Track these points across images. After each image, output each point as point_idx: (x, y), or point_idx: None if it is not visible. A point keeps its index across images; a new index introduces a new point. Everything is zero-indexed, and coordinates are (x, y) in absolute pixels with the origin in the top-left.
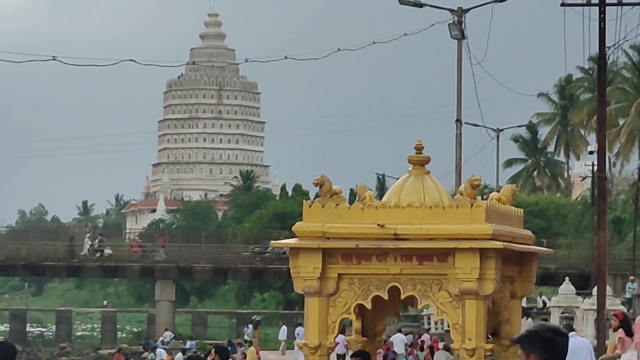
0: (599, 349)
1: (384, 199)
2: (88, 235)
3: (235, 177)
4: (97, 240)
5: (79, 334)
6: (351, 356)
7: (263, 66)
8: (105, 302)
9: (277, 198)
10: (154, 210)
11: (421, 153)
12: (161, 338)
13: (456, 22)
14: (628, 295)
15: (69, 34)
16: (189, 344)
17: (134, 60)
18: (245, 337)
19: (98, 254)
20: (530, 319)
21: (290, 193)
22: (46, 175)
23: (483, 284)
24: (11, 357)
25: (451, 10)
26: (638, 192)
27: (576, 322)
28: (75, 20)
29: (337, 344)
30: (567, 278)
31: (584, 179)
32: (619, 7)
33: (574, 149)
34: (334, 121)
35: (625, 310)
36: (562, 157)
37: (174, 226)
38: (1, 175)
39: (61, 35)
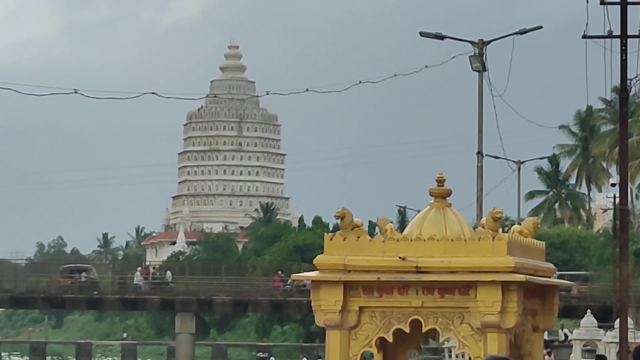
0: None
1: (406, 231)
2: (139, 268)
3: (256, 209)
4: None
5: None
6: None
7: (284, 98)
8: (125, 335)
9: (297, 230)
10: (174, 243)
11: (442, 185)
12: None
13: (477, 54)
14: None
15: (90, 65)
16: None
17: (155, 93)
18: None
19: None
20: None
21: (309, 225)
22: (65, 207)
23: (505, 317)
24: None
25: (472, 43)
26: None
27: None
28: (96, 50)
29: None
30: (588, 311)
31: (605, 211)
32: None
33: (596, 181)
34: (354, 153)
35: None
36: (583, 189)
37: (194, 258)
38: (20, 207)
39: (82, 65)
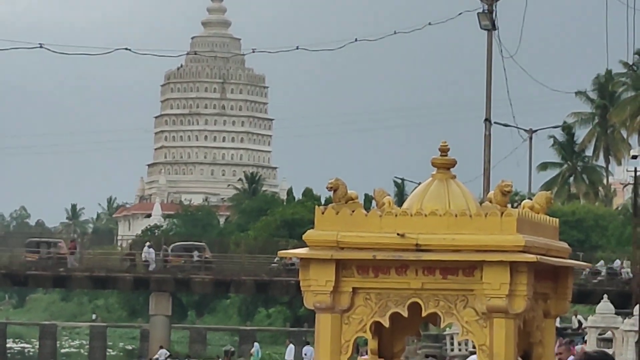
0: None
1: (405, 205)
2: (148, 243)
3: (240, 179)
4: (164, 250)
5: (64, 350)
6: None
7: (272, 57)
8: (94, 316)
9: (284, 203)
10: (149, 215)
11: (446, 155)
12: (155, 356)
13: (486, 11)
14: None
15: (57, 18)
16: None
17: (129, 49)
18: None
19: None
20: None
21: (298, 197)
22: (30, 175)
23: (513, 301)
24: None
25: None
26: None
27: (615, 344)
28: (65, 3)
29: None
30: (605, 296)
31: (625, 186)
32: None
33: (615, 153)
34: (349, 119)
35: None
36: (601, 162)
37: (171, 233)
38: None
39: (49, 19)
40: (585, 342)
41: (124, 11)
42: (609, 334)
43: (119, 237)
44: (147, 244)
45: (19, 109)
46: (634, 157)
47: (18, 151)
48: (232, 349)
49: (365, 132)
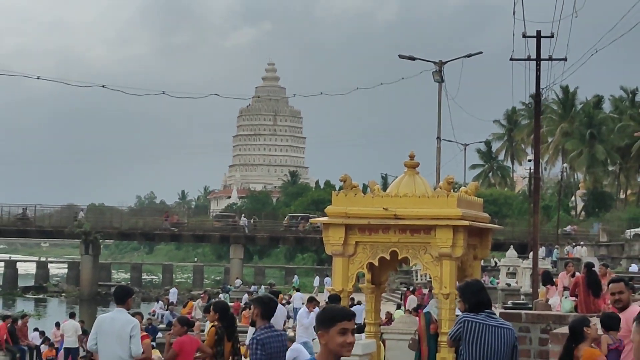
0: (533, 295)
1: (388, 190)
2: (243, 215)
3: (285, 174)
4: (252, 220)
5: (177, 280)
6: (329, 299)
7: (305, 99)
8: (195, 259)
9: (313, 189)
10: (229, 197)
11: (413, 159)
12: (235, 283)
13: (437, 71)
14: (554, 259)
15: (176, 76)
16: (252, 287)
17: (218, 95)
18: (293, 285)
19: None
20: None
21: (322, 186)
22: (156, 171)
23: (455, 249)
24: (130, 294)
25: (434, 62)
26: (560, 188)
27: (517, 276)
28: (180, 66)
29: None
30: (511, 246)
31: (524, 178)
32: (550, 61)
33: (517, 158)
34: (355, 136)
35: (550, 268)
36: (508, 163)
37: (243, 208)
38: (125, 171)
39: (170, 76)
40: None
41: (215, 72)
42: (514, 270)
43: (211, 211)
44: (242, 215)
45: (150, 132)
46: (529, 160)
47: (150, 157)
48: (273, 283)
49: (365, 144)
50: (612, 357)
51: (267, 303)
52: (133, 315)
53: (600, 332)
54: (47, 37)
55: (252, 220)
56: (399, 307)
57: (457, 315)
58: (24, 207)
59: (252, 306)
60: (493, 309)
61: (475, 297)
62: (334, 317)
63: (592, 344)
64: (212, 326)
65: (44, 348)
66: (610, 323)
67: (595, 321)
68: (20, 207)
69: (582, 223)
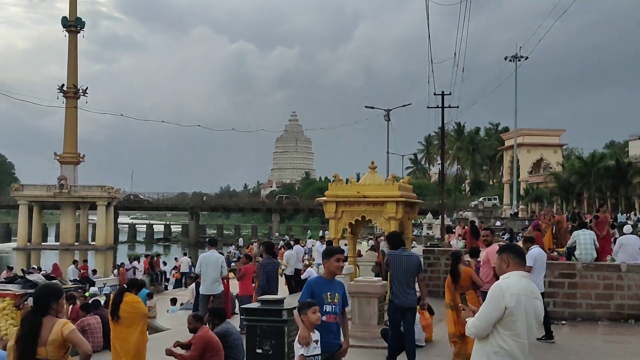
0: (442, 239)
1: (360, 181)
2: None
3: (302, 174)
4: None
5: (243, 233)
6: (326, 244)
7: (314, 131)
8: (252, 222)
9: (319, 181)
10: (271, 187)
11: (373, 164)
12: (275, 234)
13: (386, 115)
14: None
15: (241, 120)
16: (285, 237)
17: (264, 130)
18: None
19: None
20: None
21: (324, 180)
22: (232, 172)
23: (397, 214)
24: (217, 242)
25: (385, 110)
26: (456, 178)
27: (433, 229)
28: (244, 113)
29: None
30: (429, 212)
31: (436, 174)
32: (449, 108)
33: (432, 162)
34: (342, 152)
35: (451, 224)
36: (427, 165)
37: (278, 193)
38: (218, 171)
39: (238, 120)
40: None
41: (263, 118)
42: (430, 225)
43: (262, 196)
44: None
45: (216, 160)
46: (438, 164)
47: (224, 164)
48: (293, 234)
49: (348, 155)
50: (476, 271)
51: (269, 244)
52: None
53: (467, 258)
54: (167, 100)
55: (290, 199)
56: (371, 248)
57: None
58: (157, 193)
59: (260, 246)
60: (415, 246)
61: (395, 240)
62: (333, 251)
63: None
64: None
65: (174, 272)
66: (474, 254)
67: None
68: (140, 194)
69: (469, 198)
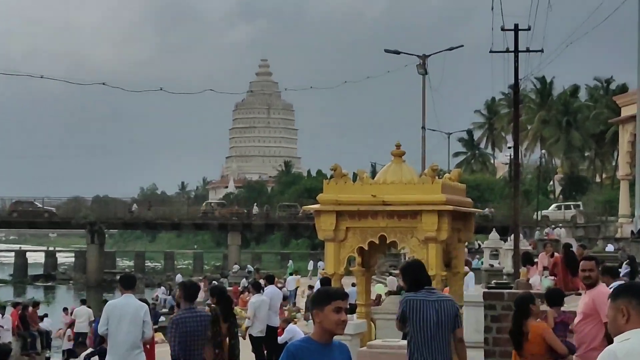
0: (515, 275)
1: (376, 178)
2: (255, 204)
3: (280, 165)
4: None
5: (179, 267)
6: (321, 282)
7: (296, 93)
8: (195, 246)
9: (306, 178)
10: (227, 187)
11: (399, 148)
12: (232, 269)
13: (421, 64)
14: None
15: (174, 73)
16: (247, 271)
17: (213, 90)
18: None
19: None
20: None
21: (314, 175)
22: (158, 164)
23: (440, 233)
24: (134, 281)
25: (418, 56)
26: (539, 173)
27: (500, 257)
28: (180, 63)
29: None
30: (494, 229)
31: (505, 164)
32: (527, 53)
33: (497, 145)
34: (344, 128)
35: (530, 249)
36: (489, 151)
37: (240, 197)
38: (129, 164)
39: (170, 74)
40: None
41: (212, 68)
42: (496, 251)
43: (210, 200)
44: (255, 204)
45: (148, 127)
46: (509, 147)
47: (149, 152)
48: (259, 267)
49: (353, 135)
50: (558, 329)
51: (189, 287)
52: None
53: (544, 307)
54: (55, 40)
55: (264, 209)
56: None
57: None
58: (33, 199)
59: (179, 288)
60: (477, 288)
61: (414, 275)
62: (329, 296)
63: (538, 319)
64: (208, 307)
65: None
66: (555, 299)
67: (574, 299)
68: (29, 199)
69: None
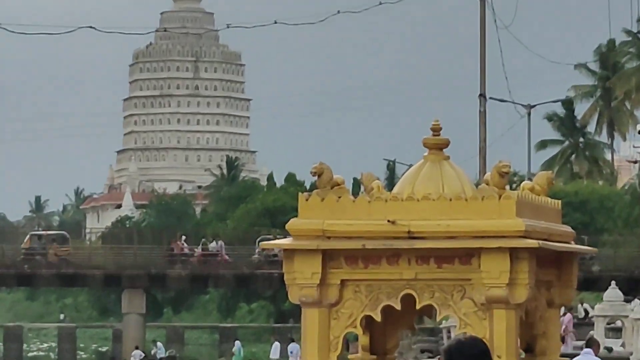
0: None
1: (395, 190)
2: (184, 237)
3: (218, 165)
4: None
5: (32, 354)
6: None
7: (248, 33)
8: (62, 316)
9: (265, 189)
10: (119, 206)
11: (439, 135)
12: (130, 358)
13: None
14: None
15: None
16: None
17: (94, 27)
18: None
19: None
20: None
21: (280, 183)
22: None
23: (514, 290)
24: None
25: None
26: None
27: (625, 333)
28: None
29: None
30: (613, 282)
31: (635, 162)
32: None
33: (619, 128)
34: (333, 98)
35: None
36: (604, 138)
37: (143, 224)
38: None
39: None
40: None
41: None
42: (618, 323)
43: (88, 230)
44: (183, 237)
45: None
46: None
47: None
48: (174, 354)
49: (351, 111)
50: None
51: None
52: None
53: None
54: None
55: (220, 243)
56: None
57: None
58: None
59: None
60: None
61: None
62: None
63: None
64: None
65: None
66: None
67: None
68: None
69: None
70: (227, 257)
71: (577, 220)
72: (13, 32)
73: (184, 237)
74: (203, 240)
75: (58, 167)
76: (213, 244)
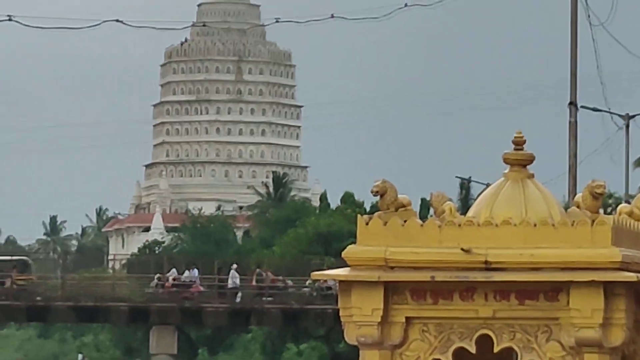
0: None
1: (470, 213)
2: (235, 266)
3: (263, 182)
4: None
5: None
6: None
7: (300, 29)
8: (80, 357)
9: (318, 211)
10: (147, 229)
11: (522, 149)
12: None
13: None
14: None
15: None
16: None
17: (121, 21)
18: None
19: None
20: None
21: (335, 204)
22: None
23: (609, 331)
24: None
25: None
26: None
27: None
28: None
29: None
30: None
31: None
32: None
33: None
34: (397, 106)
35: None
36: None
37: (175, 250)
38: None
39: None
40: None
41: None
42: None
43: (111, 257)
44: (234, 266)
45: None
46: None
47: None
48: None
49: (419, 120)
50: None
51: None
52: None
53: None
54: None
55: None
56: None
57: None
58: None
59: None
60: None
61: None
62: None
63: None
64: None
65: None
66: None
67: None
68: None
69: None
70: (201, 287)
71: None
72: (27, 25)
73: (234, 266)
74: (258, 270)
75: (77, 184)
76: (186, 273)
